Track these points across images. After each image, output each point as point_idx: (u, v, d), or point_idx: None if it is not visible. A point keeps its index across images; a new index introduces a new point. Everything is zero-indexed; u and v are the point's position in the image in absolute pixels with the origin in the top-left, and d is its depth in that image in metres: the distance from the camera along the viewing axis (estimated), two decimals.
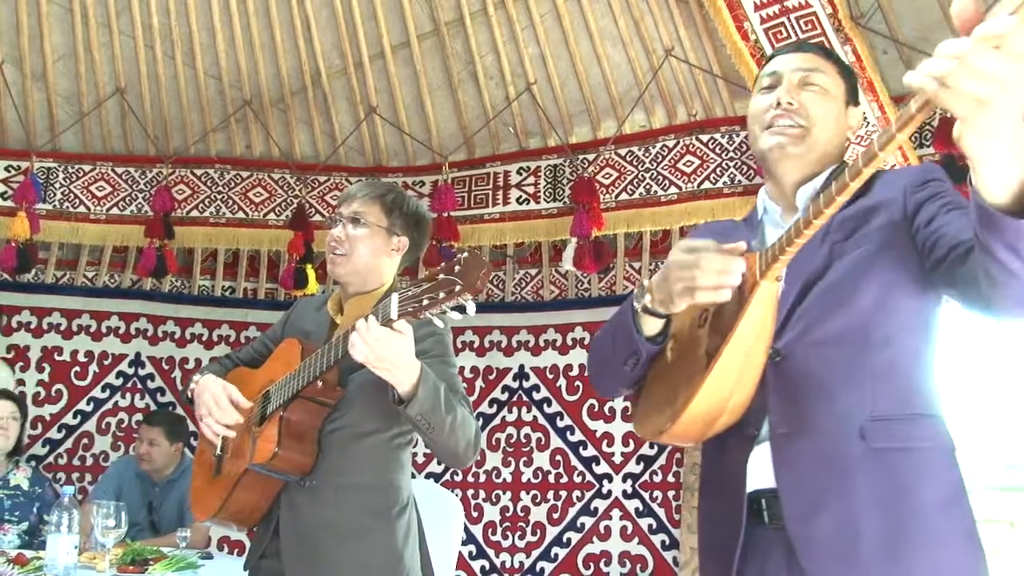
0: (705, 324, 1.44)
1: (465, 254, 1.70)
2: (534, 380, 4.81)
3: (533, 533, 4.62)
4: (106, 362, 4.99)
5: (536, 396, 4.79)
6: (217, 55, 4.82)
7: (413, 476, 2.25)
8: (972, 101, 0.98)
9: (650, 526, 4.42)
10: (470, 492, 4.73)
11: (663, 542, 4.38)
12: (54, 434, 4.85)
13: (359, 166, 5.08)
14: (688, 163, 4.45)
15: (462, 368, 4.47)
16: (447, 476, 4.74)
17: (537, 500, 4.67)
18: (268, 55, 4.84)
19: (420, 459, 4.72)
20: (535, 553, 4.60)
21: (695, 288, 1.33)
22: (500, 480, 4.74)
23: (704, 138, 4.42)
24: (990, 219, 1.10)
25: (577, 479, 4.62)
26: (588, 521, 4.55)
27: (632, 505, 4.49)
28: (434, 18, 4.66)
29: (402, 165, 5.05)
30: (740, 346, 1.34)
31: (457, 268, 1.68)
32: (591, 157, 4.64)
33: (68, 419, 4.88)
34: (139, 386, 5.00)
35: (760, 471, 1.43)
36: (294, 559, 2.04)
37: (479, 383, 4.85)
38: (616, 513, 4.51)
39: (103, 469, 4.55)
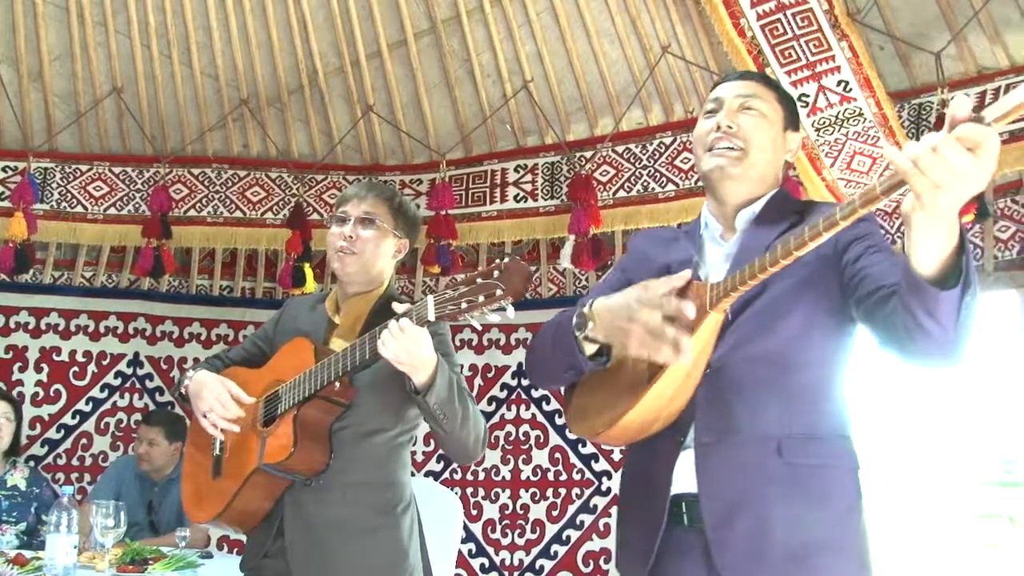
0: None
1: (506, 259, 1.74)
2: None
3: (532, 531, 4.63)
4: (104, 362, 4.98)
5: (535, 394, 4.79)
6: (214, 54, 4.82)
7: (412, 474, 2.25)
8: (932, 185, 1.14)
9: None
10: (469, 490, 4.73)
11: None
12: (53, 434, 4.85)
13: (356, 165, 5.08)
14: (685, 160, 4.45)
15: (460, 366, 4.47)
16: (446, 474, 4.75)
17: (536, 498, 4.67)
18: (265, 54, 4.83)
19: (419, 457, 4.73)
20: (535, 551, 4.60)
21: (656, 354, 1.42)
22: (499, 478, 4.74)
23: None
24: (918, 286, 1.25)
25: (576, 476, 4.62)
26: (588, 518, 4.56)
27: None
28: (430, 16, 4.65)
29: (399, 163, 5.05)
30: (672, 375, 1.48)
31: (497, 273, 1.69)
32: (588, 154, 4.64)
33: (67, 419, 4.88)
34: (138, 386, 5.00)
35: (684, 476, 1.55)
36: (301, 558, 2.04)
37: (478, 381, 4.85)
38: (615, 510, 4.50)
39: (102, 469, 4.55)
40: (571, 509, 4.59)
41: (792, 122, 1.75)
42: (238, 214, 4.99)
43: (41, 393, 4.86)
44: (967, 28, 3.71)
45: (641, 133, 4.60)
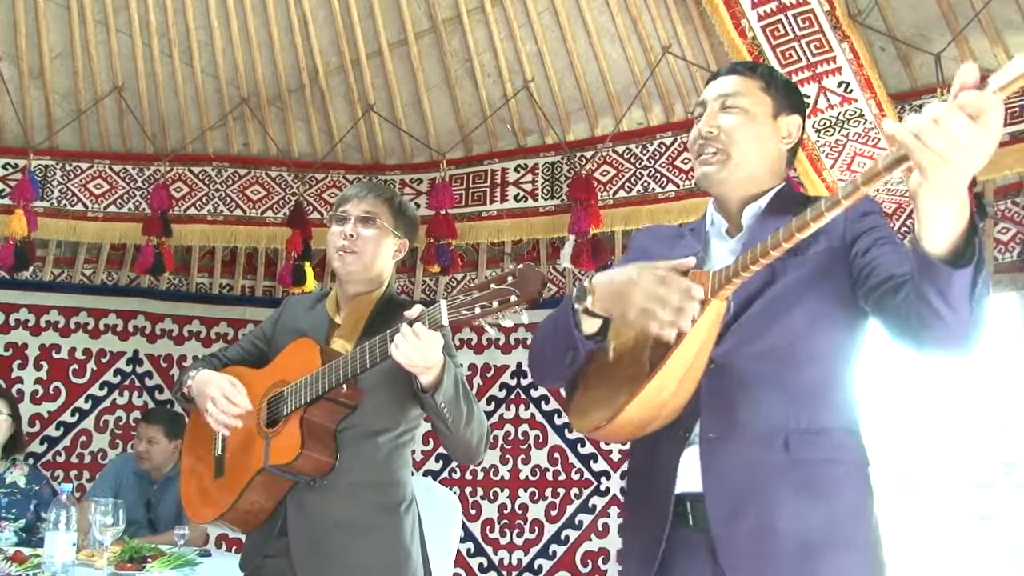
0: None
1: (520, 265, 1.75)
2: (531, 377, 4.81)
3: (531, 530, 4.63)
4: (104, 360, 4.98)
5: (534, 394, 4.79)
6: (215, 53, 4.82)
7: (411, 474, 2.26)
8: (936, 158, 1.10)
9: None
10: (468, 490, 4.74)
11: None
12: (52, 432, 4.85)
13: (357, 164, 5.08)
14: (686, 160, 4.45)
15: (460, 365, 4.47)
16: (445, 474, 4.75)
17: (535, 497, 4.67)
18: (265, 53, 4.84)
19: (418, 456, 4.73)
20: (533, 551, 4.60)
21: (658, 321, 1.39)
22: (498, 477, 4.74)
23: None
24: (929, 266, 1.22)
25: (575, 476, 4.62)
26: (586, 518, 4.56)
27: None
28: (431, 16, 4.65)
29: (400, 163, 5.05)
30: (683, 358, 1.42)
31: (511, 279, 1.70)
32: (589, 154, 4.64)
33: (66, 417, 4.88)
34: (137, 384, 5.00)
35: (688, 473, 1.52)
36: (306, 558, 2.04)
37: (477, 380, 4.85)
38: (614, 511, 4.51)
39: (101, 467, 4.54)
40: (570, 509, 4.59)
41: (787, 106, 1.70)
42: (238, 212, 4.99)
43: (40, 390, 4.87)
44: (968, 29, 3.72)
45: (641, 133, 4.60)
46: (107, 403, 4.94)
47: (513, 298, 1.69)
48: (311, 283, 4.70)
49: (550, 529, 4.60)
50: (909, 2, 3.84)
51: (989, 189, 3.93)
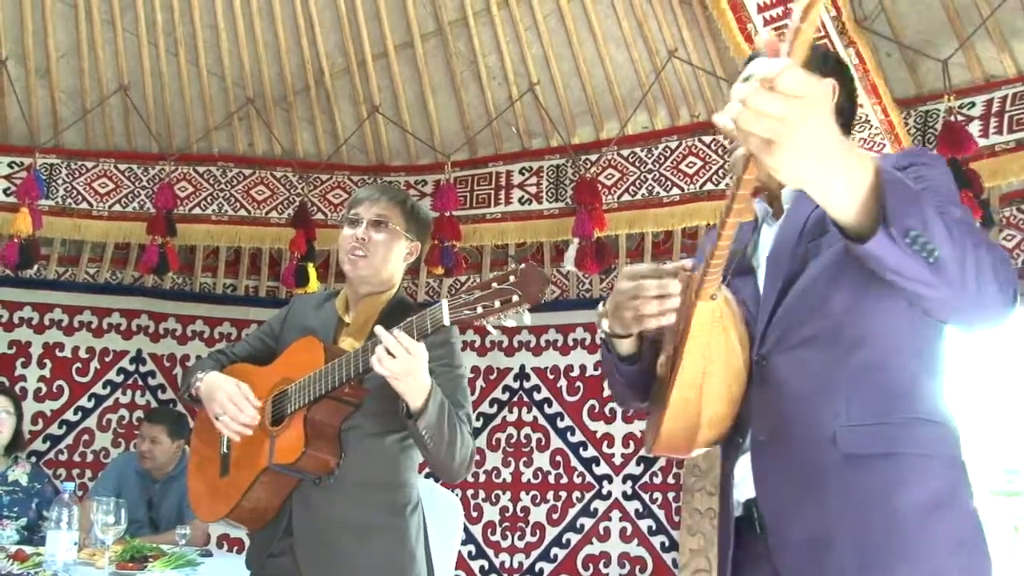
0: (671, 344, 1.44)
1: (522, 265, 1.73)
2: (535, 380, 4.81)
3: (532, 533, 4.62)
4: (107, 359, 4.99)
5: (537, 396, 4.79)
6: (220, 53, 4.82)
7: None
8: (761, 141, 0.97)
9: (650, 528, 4.42)
10: (470, 492, 4.73)
11: (662, 544, 4.38)
12: (55, 430, 4.85)
13: (361, 165, 5.08)
14: (691, 164, 4.45)
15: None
16: None
17: (537, 500, 4.66)
18: (271, 53, 4.84)
19: (422, 459, 4.72)
20: (534, 554, 4.60)
21: (642, 316, 1.35)
22: (500, 480, 4.74)
23: (707, 139, 4.42)
24: (855, 251, 1.09)
25: (577, 480, 4.62)
26: (588, 522, 4.55)
27: (632, 506, 4.49)
28: (437, 18, 4.66)
29: (404, 164, 5.05)
30: (691, 368, 1.35)
31: (512, 278, 1.69)
32: (593, 158, 4.64)
33: (69, 415, 4.88)
34: (140, 383, 5.01)
35: (747, 479, 1.42)
36: (311, 557, 2.04)
37: (480, 383, 4.85)
38: (616, 514, 4.51)
39: (103, 466, 4.55)
40: (571, 512, 4.59)
41: (816, 72, 1.47)
42: (243, 213, 5.00)
43: (44, 389, 4.87)
44: (975, 36, 3.71)
45: (647, 137, 4.60)
46: (110, 402, 4.94)
47: (515, 298, 1.67)
48: (314, 284, 4.70)
49: (551, 532, 4.60)
50: (916, 8, 3.83)
51: (995, 196, 3.92)
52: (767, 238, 1.52)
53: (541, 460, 4.70)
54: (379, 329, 1.86)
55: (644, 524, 4.44)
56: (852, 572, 1.27)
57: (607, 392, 4.60)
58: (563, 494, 4.62)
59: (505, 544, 4.65)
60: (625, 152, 4.62)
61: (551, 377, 4.77)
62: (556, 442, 4.70)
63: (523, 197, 4.78)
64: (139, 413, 4.86)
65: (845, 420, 1.32)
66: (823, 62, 1.55)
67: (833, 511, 1.30)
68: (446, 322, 1.79)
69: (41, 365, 4.90)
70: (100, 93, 4.86)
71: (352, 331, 2.19)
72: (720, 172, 4.38)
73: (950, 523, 1.28)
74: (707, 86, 4.39)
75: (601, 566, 4.47)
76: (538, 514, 4.64)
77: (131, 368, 5.02)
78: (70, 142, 4.95)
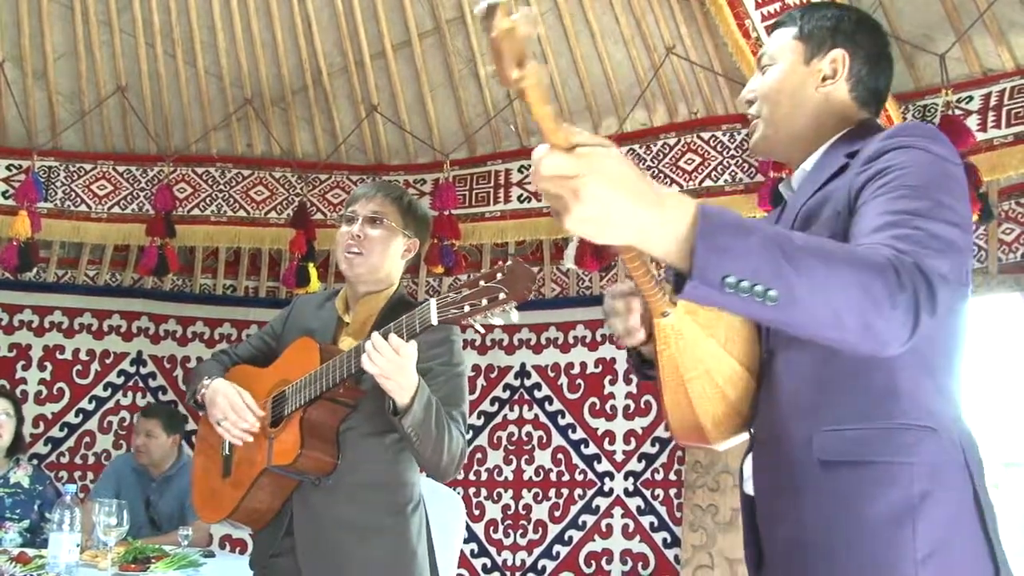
0: None
1: (509, 262, 1.72)
2: (535, 378, 4.81)
3: (535, 531, 4.63)
4: (108, 361, 4.99)
5: (537, 394, 4.79)
6: (218, 53, 4.82)
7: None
8: (555, 212, 1.00)
9: (652, 524, 4.42)
10: (472, 490, 4.73)
11: (665, 540, 4.38)
12: (56, 432, 4.85)
13: (360, 164, 5.08)
14: (689, 161, 4.45)
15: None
16: None
17: (539, 498, 4.67)
18: (269, 53, 4.84)
19: None
20: (537, 551, 4.60)
21: (617, 335, 1.38)
22: (502, 478, 4.74)
23: (705, 136, 4.42)
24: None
25: (579, 477, 4.62)
26: (590, 519, 4.55)
27: (634, 503, 4.49)
28: (435, 16, 4.65)
29: (403, 163, 5.05)
30: (669, 377, 1.36)
31: (500, 276, 1.67)
32: None
33: (70, 417, 4.89)
34: (141, 385, 5.01)
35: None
36: (311, 557, 2.04)
37: (480, 381, 4.85)
38: (618, 511, 4.51)
39: (104, 467, 4.55)
40: (573, 510, 4.59)
41: (822, 44, 1.48)
42: (242, 213, 5.00)
43: (44, 391, 4.87)
44: (972, 30, 3.71)
45: (645, 134, 4.60)
46: (111, 404, 4.95)
47: (502, 295, 1.66)
48: (315, 284, 4.70)
49: (554, 530, 4.60)
50: (913, 2, 3.83)
51: (993, 190, 3.92)
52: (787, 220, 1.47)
53: (543, 458, 4.70)
54: (375, 335, 1.87)
55: (646, 520, 4.44)
56: (822, 570, 1.26)
57: (608, 389, 4.60)
58: (565, 491, 4.63)
59: (507, 542, 4.66)
60: (624, 149, 4.62)
61: (552, 375, 4.78)
62: (557, 440, 4.70)
63: (522, 195, 4.78)
64: None
65: (826, 424, 1.29)
66: (834, 29, 1.49)
67: (807, 517, 1.28)
68: (434, 321, 1.78)
69: (42, 368, 4.90)
70: (98, 95, 4.86)
71: (352, 331, 2.19)
72: (719, 168, 4.38)
73: (920, 534, 1.21)
74: (705, 83, 4.39)
75: (603, 563, 4.48)
76: (540, 512, 4.64)
77: (132, 370, 5.02)
78: (68, 144, 4.95)
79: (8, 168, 4.81)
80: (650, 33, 4.38)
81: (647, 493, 4.48)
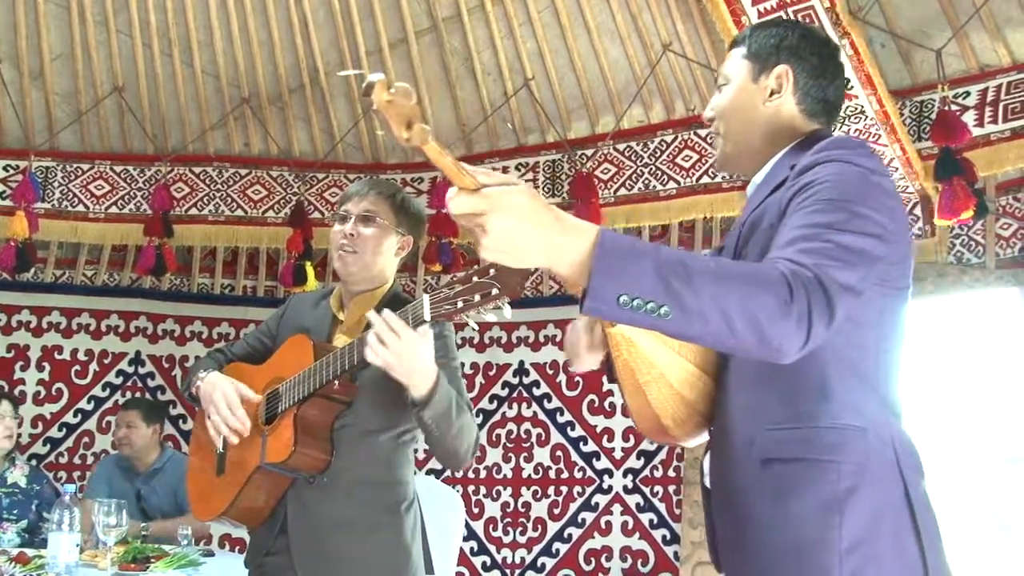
0: None
1: None
2: (534, 376, 4.82)
3: (534, 529, 4.63)
4: (106, 361, 4.99)
5: (536, 392, 4.79)
6: (215, 53, 4.82)
7: (414, 472, 2.25)
8: (473, 242, 1.14)
9: (651, 521, 4.43)
10: (471, 488, 4.74)
11: (664, 537, 4.38)
12: (54, 433, 4.85)
13: (358, 163, 5.08)
14: (687, 158, 4.45)
15: (461, 364, 4.48)
16: (448, 472, 4.74)
17: (538, 496, 4.67)
18: (266, 53, 4.83)
19: (420, 455, 4.72)
20: (536, 549, 4.61)
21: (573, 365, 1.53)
22: (501, 476, 4.74)
23: (702, 133, 4.42)
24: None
25: (578, 474, 4.62)
26: (589, 516, 4.56)
27: (633, 500, 4.49)
28: (431, 14, 4.65)
29: (401, 162, 5.05)
30: (626, 382, 1.46)
31: (493, 272, 1.67)
32: (590, 152, 4.64)
33: (68, 418, 4.88)
34: (139, 384, 5.01)
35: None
36: (305, 556, 2.04)
37: (479, 379, 4.86)
38: (617, 508, 4.51)
39: (93, 472, 4.53)
40: (573, 507, 4.59)
41: (767, 61, 1.55)
42: (239, 213, 4.99)
43: (43, 391, 4.87)
44: (968, 25, 3.71)
45: (642, 131, 4.60)
46: (109, 404, 4.94)
47: (495, 291, 1.66)
48: (312, 283, 4.70)
49: (553, 527, 4.60)
50: None
51: (990, 185, 3.92)
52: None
53: (541, 455, 4.71)
54: (371, 314, 1.86)
55: (645, 518, 4.45)
56: (762, 561, 1.35)
57: (607, 386, 4.61)
58: (564, 489, 4.63)
59: (507, 540, 4.66)
60: (621, 146, 4.62)
61: (550, 372, 4.78)
62: (556, 437, 4.70)
63: None
64: None
65: (766, 424, 1.37)
66: (778, 46, 1.56)
67: (747, 512, 1.37)
68: (427, 317, 1.77)
69: (40, 368, 4.89)
70: (95, 95, 4.85)
71: (346, 329, 2.19)
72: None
73: (845, 527, 1.28)
74: (702, 79, 4.39)
75: (603, 560, 4.48)
76: (539, 509, 4.65)
77: (130, 370, 5.01)
78: (65, 144, 4.94)
79: (5, 168, 4.80)
80: (647, 30, 4.38)
81: (646, 490, 4.48)
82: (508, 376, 4.86)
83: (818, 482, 1.30)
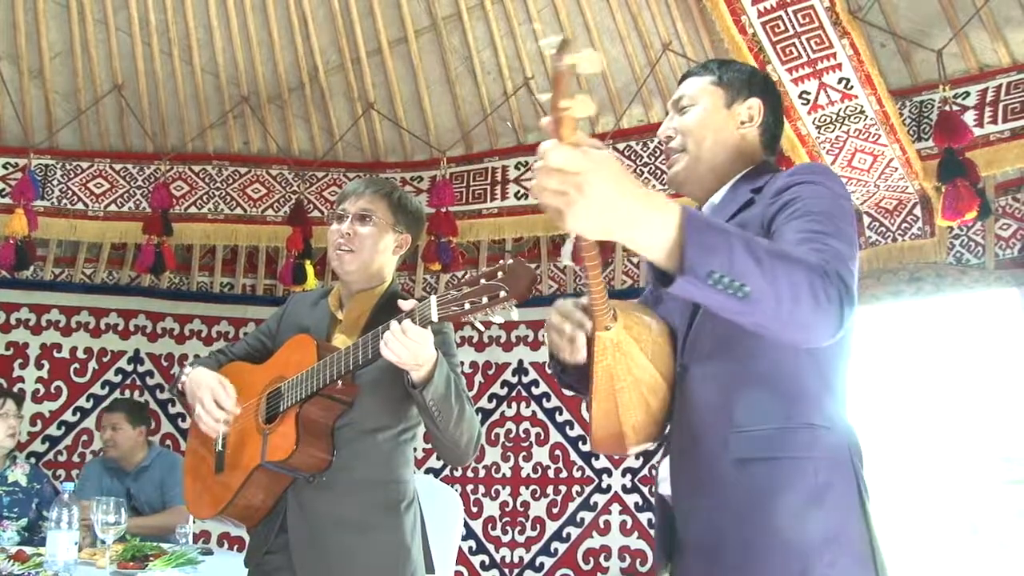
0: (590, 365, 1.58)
1: (510, 261, 1.72)
2: (533, 375, 4.82)
3: (533, 528, 4.63)
4: (105, 359, 4.99)
5: (535, 391, 4.80)
6: (214, 52, 4.81)
7: (414, 472, 2.25)
8: (553, 209, 1.09)
9: (650, 521, 4.43)
10: (470, 487, 4.74)
11: None
12: (53, 431, 4.85)
13: (357, 162, 5.08)
14: None
15: (460, 363, 4.48)
16: (447, 471, 4.75)
17: (537, 495, 4.67)
18: (265, 51, 4.83)
19: (420, 455, 4.73)
20: (535, 548, 4.61)
21: (564, 353, 1.50)
22: (499, 475, 4.74)
23: None
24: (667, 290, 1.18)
25: (576, 474, 4.62)
26: (588, 516, 4.56)
27: (631, 500, 4.49)
28: (431, 13, 4.65)
29: (400, 160, 5.05)
30: (602, 386, 1.48)
31: (500, 274, 1.68)
32: None
33: (67, 416, 4.88)
34: (138, 383, 5.00)
35: (667, 477, 1.55)
36: (304, 554, 2.04)
37: (478, 378, 4.86)
38: (616, 508, 4.51)
39: (80, 476, 4.52)
40: (571, 506, 4.59)
41: (740, 92, 1.68)
42: (239, 211, 4.99)
43: (42, 390, 4.87)
44: (968, 25, 3.71)
45: (642, 130, 4.60)
46: (108, 402, 4.93)
47: (502, 294, 1.66)
48: (312, 281, 4.70)
49: (552, 526, 4.60)
50: None
51: (990, 185, 3.92)
52: None
53: (540, 454, 4.71)
54: (392, 324, 1.86)
55: (644, 517, 4.45)
56: (739, 567, 1.39)
57: None
58: (563, 488, 4.63)
59: (506, 539, 4.66)
60: (621, 146, 4.63)
61: (550, 372, 4.77)
62: (555, 436, 4.70)
63: (519, 192, 4.78)
64: None
65: (740, 426, 1.43)
66: (749, 81, 1.70)
67: (725, 510, 1.41)
68: (434, 318, 1.78)
69: (39, 366, 4.89)
70: (94, 93, 4.85)
71: (345, 328, 2.19)
72: None
73: (821, 521, 1.37)
74: None
75: (602, 559, 4.48)
76: (538, 508, 4.65)
77: (129, 368, 5.01)
78: (65, 142, 4.94)
79: (4, 166, 4.80)
80: (646, 30, 4.38)
81: (645, 490, 4.48)
82: (507, 375, 4.86)
83: (797, 478, 1.38)
